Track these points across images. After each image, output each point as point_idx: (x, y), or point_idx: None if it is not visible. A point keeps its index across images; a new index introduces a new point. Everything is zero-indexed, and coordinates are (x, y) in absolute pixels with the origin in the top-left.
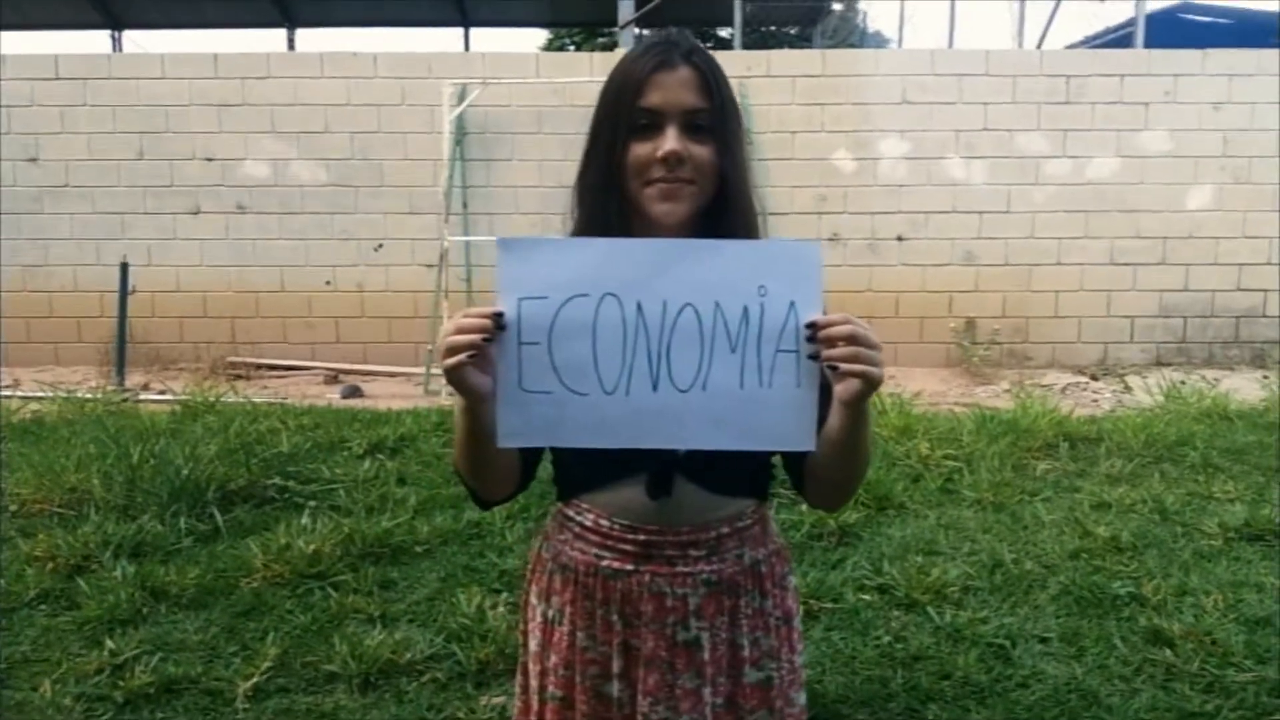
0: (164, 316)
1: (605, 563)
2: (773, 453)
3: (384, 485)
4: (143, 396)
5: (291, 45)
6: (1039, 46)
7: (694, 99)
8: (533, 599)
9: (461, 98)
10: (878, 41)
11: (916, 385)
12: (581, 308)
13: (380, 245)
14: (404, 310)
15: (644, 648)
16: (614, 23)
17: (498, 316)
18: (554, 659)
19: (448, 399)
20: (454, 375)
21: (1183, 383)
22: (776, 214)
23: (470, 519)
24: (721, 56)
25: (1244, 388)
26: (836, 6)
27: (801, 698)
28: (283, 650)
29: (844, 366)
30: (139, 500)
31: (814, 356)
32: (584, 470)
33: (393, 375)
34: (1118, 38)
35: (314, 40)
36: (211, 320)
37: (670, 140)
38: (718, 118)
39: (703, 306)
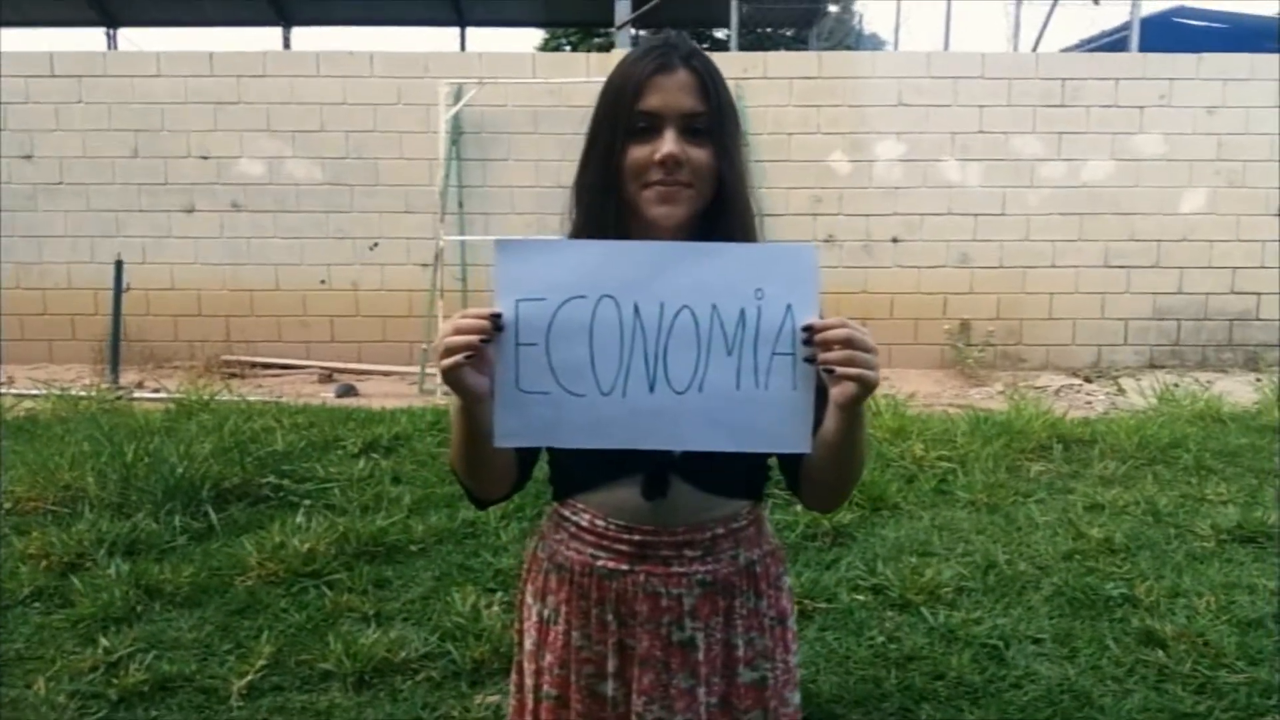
0: (158, 314)
1: (600, 562)
2: (768, 454)
3: (379, 484)
4: (137, 394)
5: (287, 44)
6: (1034, 49)
7: (692, 102)
8: (528, 598)
9: (457, 97)
10: (874, 43)
11: (911, 387)
12: (579, 309)
13: (375, 244)
14: (399, 309)
15: (639, 647)
16: (610, 23)
17: (495, 317)
18: (549, 658)
19: (443, 398)
20: (451, 376)
21: (1176, 385)
22: (772, 215)
23: (465, 518)
24: (718, 58)
25: (1237, 390)
26: (833, 8)
27: (796, 697)
28: (277, 648)
29: (840, 370)
30: (133, 498)
31: (810, 360)
32: (580, 470)
33: (387, 374)
34: (1113, 41)
35: (310, 39)
36: (206, 318)
37: (668, 143)
38: (716, 121)
39: (699, 309)
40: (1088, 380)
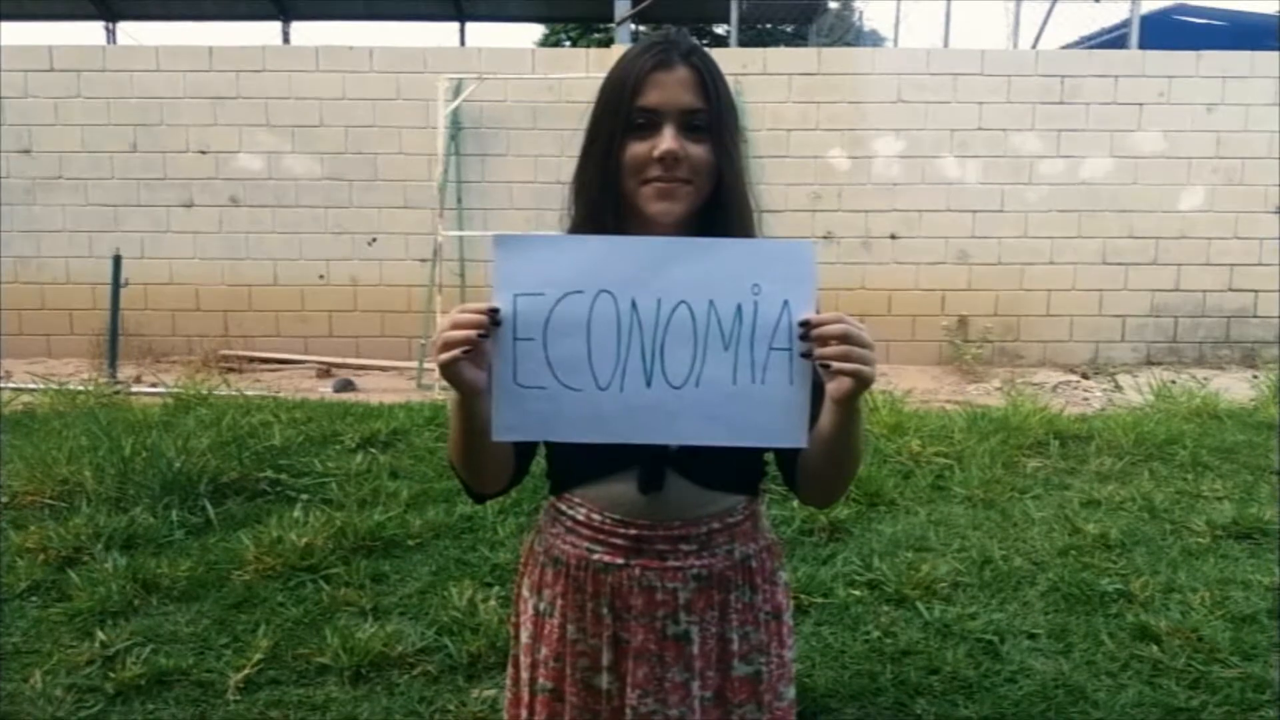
0: (156, 309)
1: (596, 556)
2: (764, 449)
3: (376, 479)
4: (135, 389)
5: (286, 39)
6: (1034, 46)
7: (692, 99)
8: (524, 592)
9: (457, 93)
10: (873, 40)
11: (908, 383)
12: (576, 304)
13: (374, 239)
14: (397, 305)
15: (634, 641)
16: (610, 19)
17: (493, 312)
18: (544, 651)
19: (440, 393)
20: (449, 370)
21: (1173, 382)
22: (771, 211)
23: (462, 513)
24: (717, 53)
25: (1234, 387)
26: (833, 5)
27: (790, 692)
28: (274, 642)
29: (836, 365)
30: (131, 492)
31: (806, 355)
32: (576, 464)
33: (385, 369)
34: (1112, 38)
35: (309, 34)
36: (204, 313)
37: (667, 140)
38: (715, 118)
39: (697, 304)
40: (1085, 377)
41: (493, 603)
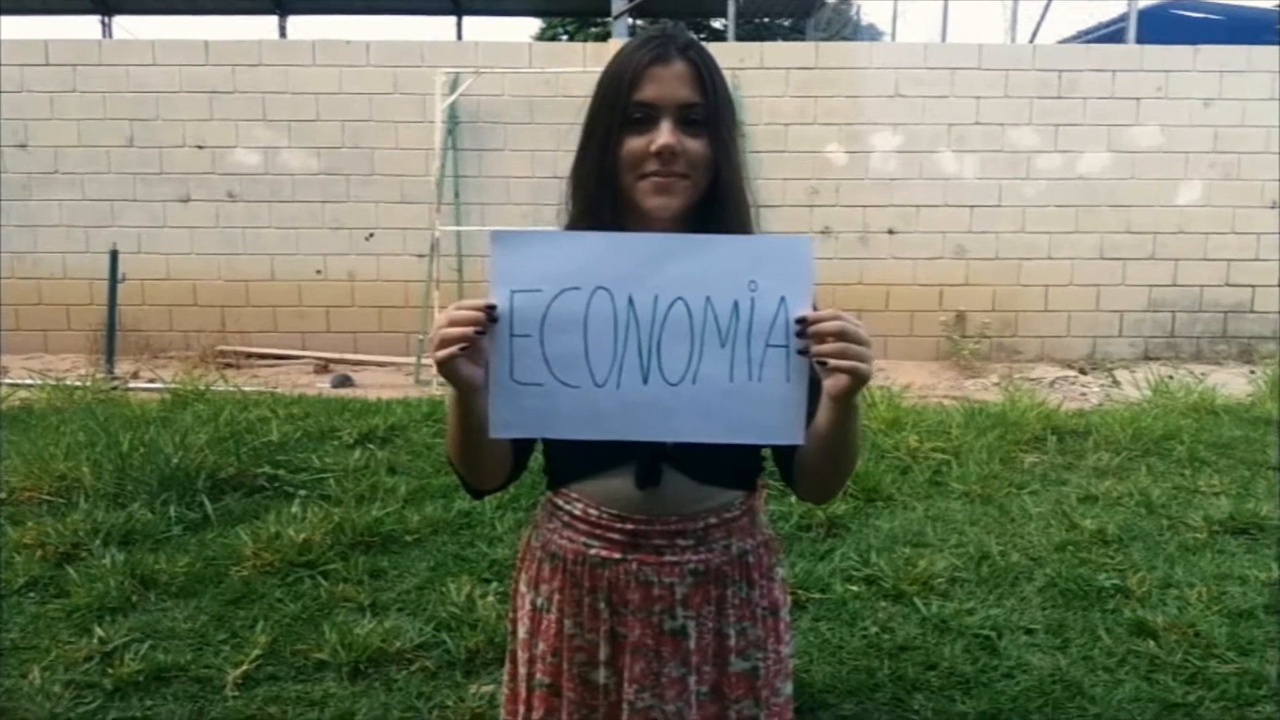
0: (153, 304)
1: (593, 551)
2: (761, 446)
3: (374, 474)
4: (132, 385)
5: (283, 33)
6: (1032, 41)
7: (689, 93)
8: (522, 587)
9: (454, 87)
10: (871, 34)
11: (906, 378)
12: (573, 301)
13: (371, 234)
14: (395, 299)
15: (630, 636)
16: (607, 13)
17: (490, 309)
18: (542, 646)
19: (438, 389)
20: (446, 367)
21: (1170, 377)
22: (768, 206)
23: (460, 508)
24: (714, 48)
25: (1231, 382)
26: None
27: (787, 687)
28: (272, 638)
29: (832, 362)
30: (128, 488)
31: (803, 352)
32: (573, 459)
33: (383, 365)
34: (1110, 33)
35: (305, 28)
36: (201, 308)
37: (664, 134)
38: (712, 112)
39: (694, 301)
40: (1082, 372)
41: (491, 598)
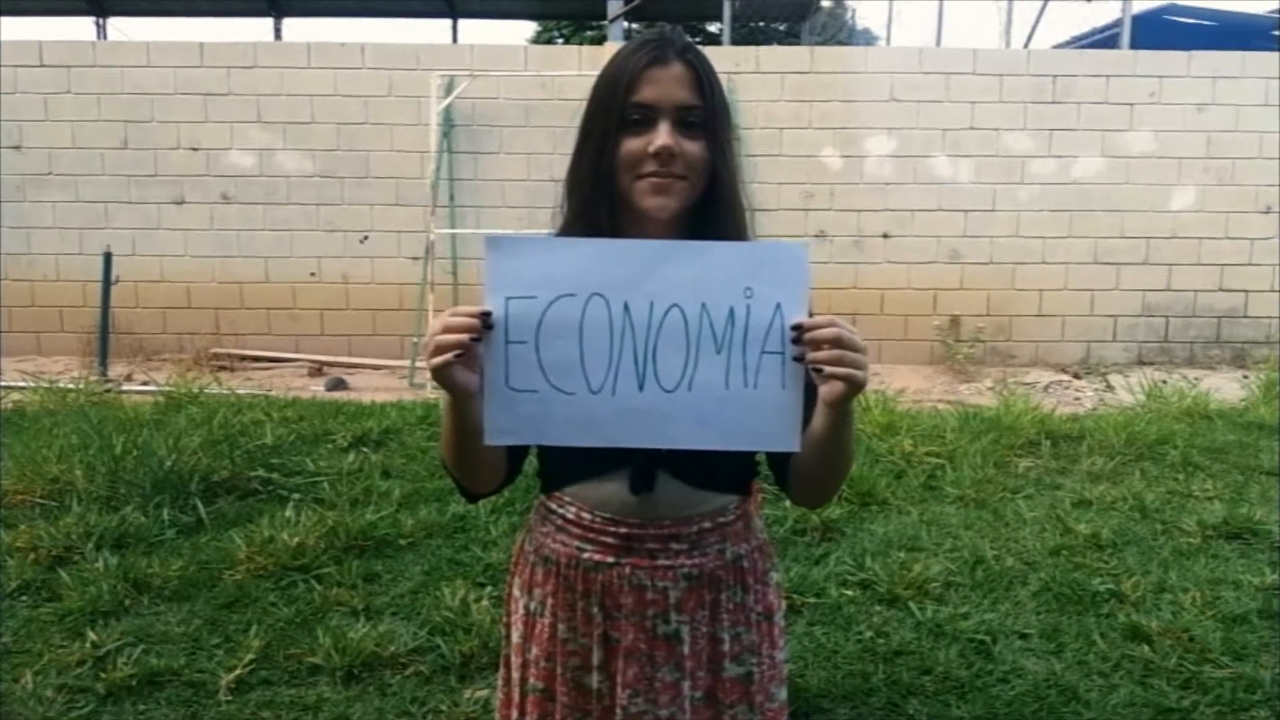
0: (147, 307)
1: (586, 555)
2: (757, 452)
3: (368, 478)
4: (126, 387)
5: (278, 35)
6: (1026, 46)
7: (687, 95)
8: (515, 591)
9: (449, 90)
10: (866, 39)
11: (900, 382)
12: (569, 307)
13: (366, 237)
14: (389, 302)
15: (624, 640)
16: (603, 16)
17: (485, 315)
18: (535, 651)
19: (433, 392)
20: (441, 373)
21: (1164, 382)
22: (763, 210)
23: (455, 512)
24: (710, 52)
25: (1224, 387)
26: (826, 3)
27: (782, 693)
28: (266, 643)
29: (828, 369)
30: (121, 491)
31: (799, 358)
32: (568, 464)
33: (377, 368)
34: (1104, 38)
35: (301, 30)
36: (195, 311)
37: (662, 135)
38: (709, 115)
39: (689, 307)
40: (1076, 376)
41: (485, 603)
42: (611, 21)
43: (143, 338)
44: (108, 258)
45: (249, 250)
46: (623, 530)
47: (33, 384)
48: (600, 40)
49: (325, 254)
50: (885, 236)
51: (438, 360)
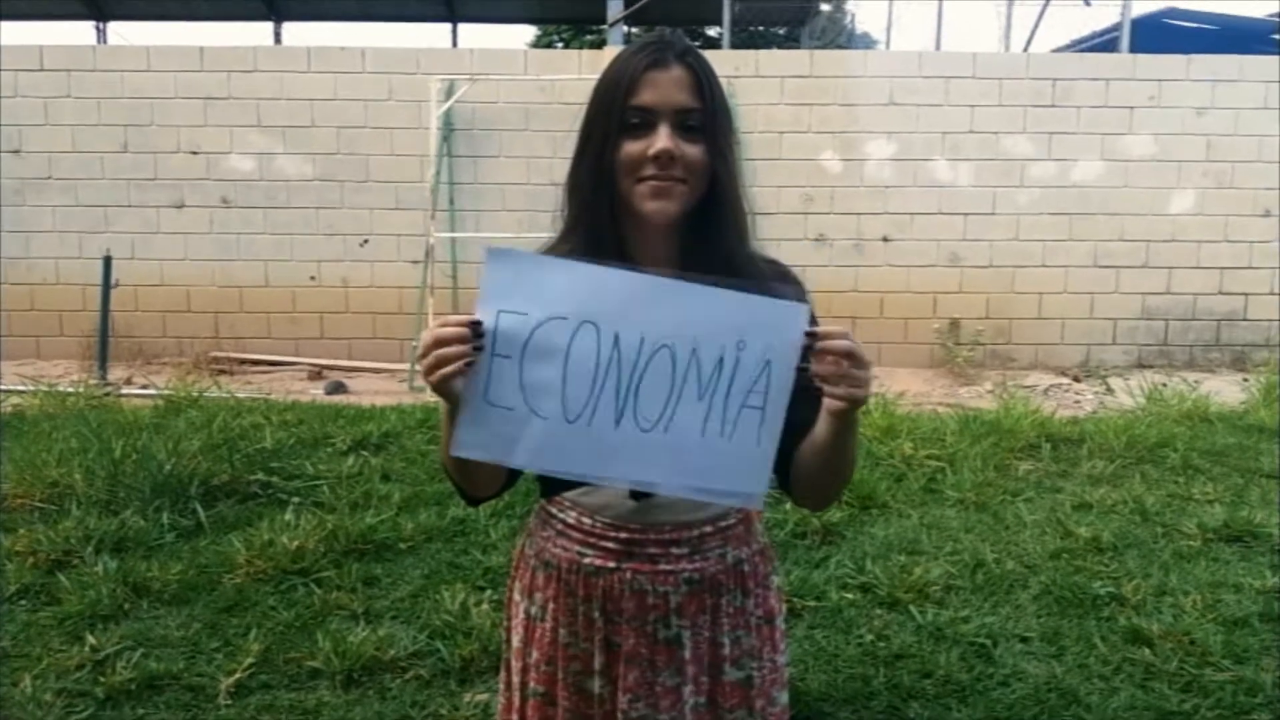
0: (147, 310)
1: (587, 560)
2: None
3: (368, 482)
4: (125, 391)
5: (278, 39)
6: (1026, 50)
7: (686, 98)
8: (516, 596)
9: (449, 94)
10: (865, 43)
11: (900, 385)
12: (558, 330)
13: (366, 241)
14: (389, 306)
15: (625, 644)
16: (603, 20)
17: (475, 325)
18: (536, 655)
19: (432, 397)
20: (441, 386)
21: (1164, 385)
22: (763, 214)
23: (455, 516)
24: (710, 56)
25: (1224, 390)
26: (825, 7)
27: (783, 697)
28: (265, 646)
29: (828, 389)
30: (121, 495)
31: (804, 368)
32: None
33: (377, 371)
34: (1103, 42)
35: (301, 34)
36: (195, 315)
37: (662, 138)
38: (710, 118)
39: (680, 349)
40: (1076, 380)
41: (485, 606)
42: (611, 25)
43: (142, 341)
44: (107, 261)
45: (249, 254)
46: (623, 535)
47: (32, 388)
48: (600, 44)
49: (325, 258)
50: (885, 240)
51: (437, 375)
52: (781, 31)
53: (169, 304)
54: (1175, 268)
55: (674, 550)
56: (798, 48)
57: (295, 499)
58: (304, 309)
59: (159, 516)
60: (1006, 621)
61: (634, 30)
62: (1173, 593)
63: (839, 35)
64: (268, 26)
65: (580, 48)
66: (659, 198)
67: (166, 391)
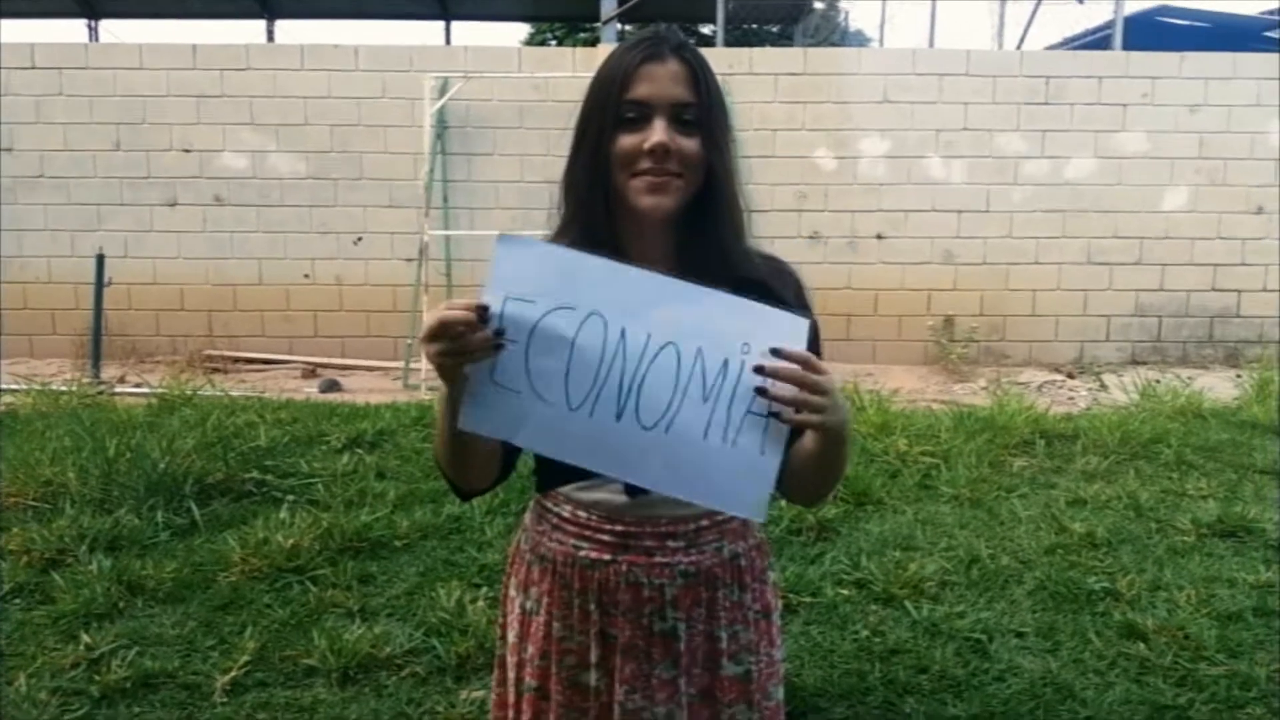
0: (140, 309)
1: (583, 553)
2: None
3: (363, 479)
4: (119, 389)
5: (271, 37)
6: (1019, 47)
7: (682, 92)
8: (511, 591)
9: (442, 91)
10: (859, 40)
11: (895, 382)
12: (565, 320)
13: (360, 239)
14: (383, 304)
15: (620, 637)
16: (596, 18)
17: (482, 310)
18: (531, 650)
19: (426, 394)
20: (450, 370)
21: (1157, 381)
22: (757, 211)
23: (450, 513)
24: (703, 53)
25: (1217, 386)
26: (818, 5)
27: (779, 692)
28: (261, 644)
29: (786, 414)
30: (115, 494)
31: (760, 391)
32: (564, 463)
33: (371, 369)
34: (1096, 39)
35: (294, 32)
36: (188, 313)
37: (658, 132)
38: (706, 112)
39: (685, 349)
40: (1070, 376)
41: (481, 604)
42: (605, 23)
43: (136, 340)
44: (100, 260)
45: (242, 252)
46: (619, 528)
47: (25, 386)
48: (594, 42)
49: (319, 256)
50: (879, 237)
51: (451, 361)
52: (775, 29)
53: (162, 302)
54: (1168, 264)
55: (670, 543)
56: (791, 45)
57: (290, 497)
58: (298, 307)
59: (153, 515)
60: (1002, 617)
61: (627, 28)
62: (1167, 588)
63: (832, 33)
64: (260, 24)
65: (574, 45)
66: (654, 192)
67: (160, 390)
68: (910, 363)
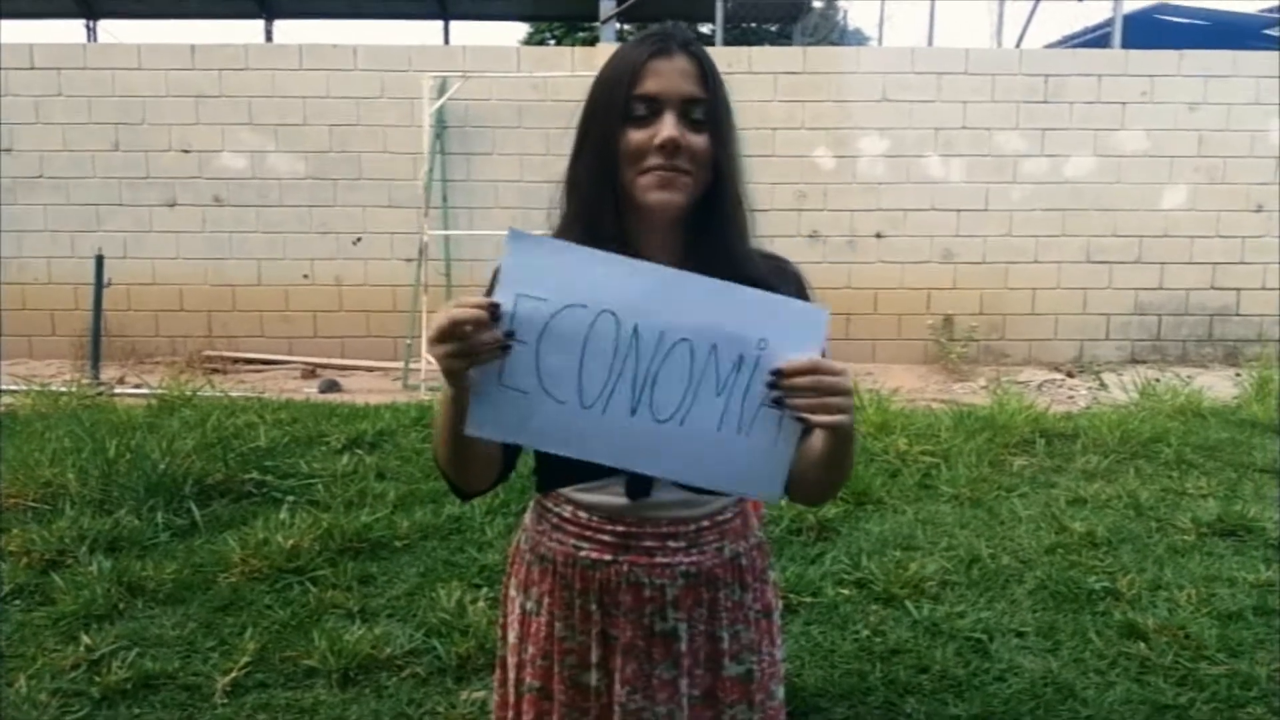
0: (139, 309)
1: (584, 553)
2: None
3: (363, 480)
4: (118, 390)
5: (269, 37)
6: (1018, 45)
7: (691, 88)
8: (512, 591)
9: (441, 91)
10: (858, 39)
11: (894, 382)
12: (577, 317)
13: (359, 239)
14: (382, 304)
15: (621, 637)
16: (595, 17)
17: (494, 308)
18: (531, 650)
19: (426, 394)
20: (456, 372)
21: (1157, 380)
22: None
23: (450, 514)
24: None
25: (1217, 385)
26: (817, 4)
27: (780, 691)
28: (261, 645)
29: (810, 418)
30: (115, 495)
31: (777, 402)
32: (565, 464)
33: (371, 370)
34: (1096, 38)
35: (292, 32)
36: (188, 313)
37: (668, 127)
38: (714, 109)
39: (699, 345)
40: (1070, 375)
41: (481, 604)
42: (604, 23)
43: (135, 340)
44: (99, 260)
45: (241, 252)
46: (620, 528)
47: (25, 387)
48: (593, 41)
49: (318, 256)
50: (878, 236)
51: (459, 364)
52: (773, 28)
53: (161, 303)
54: (1168, 263)
55: (671, 544)
56: (790, 44)
57: (290, 498)
58: (297, 307)
59: (153, 516)
60: (1002, 616)
61: (626, 27)
62: (1167, 587)
63: (831, 32)
64: (259, 24)
65: (573, 45)
66: (664, 188)
67: (160, 391)
68: (910, 362)
